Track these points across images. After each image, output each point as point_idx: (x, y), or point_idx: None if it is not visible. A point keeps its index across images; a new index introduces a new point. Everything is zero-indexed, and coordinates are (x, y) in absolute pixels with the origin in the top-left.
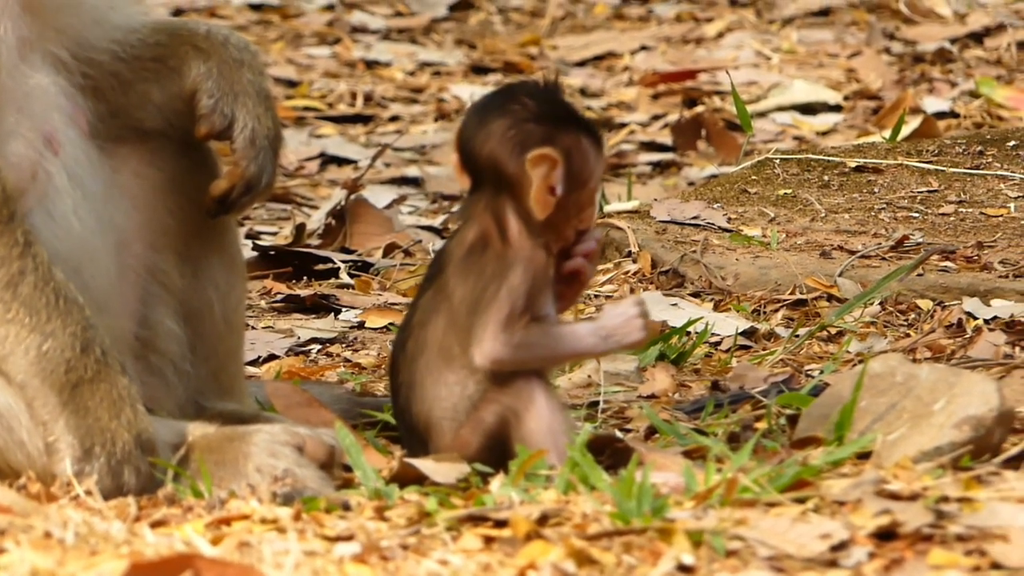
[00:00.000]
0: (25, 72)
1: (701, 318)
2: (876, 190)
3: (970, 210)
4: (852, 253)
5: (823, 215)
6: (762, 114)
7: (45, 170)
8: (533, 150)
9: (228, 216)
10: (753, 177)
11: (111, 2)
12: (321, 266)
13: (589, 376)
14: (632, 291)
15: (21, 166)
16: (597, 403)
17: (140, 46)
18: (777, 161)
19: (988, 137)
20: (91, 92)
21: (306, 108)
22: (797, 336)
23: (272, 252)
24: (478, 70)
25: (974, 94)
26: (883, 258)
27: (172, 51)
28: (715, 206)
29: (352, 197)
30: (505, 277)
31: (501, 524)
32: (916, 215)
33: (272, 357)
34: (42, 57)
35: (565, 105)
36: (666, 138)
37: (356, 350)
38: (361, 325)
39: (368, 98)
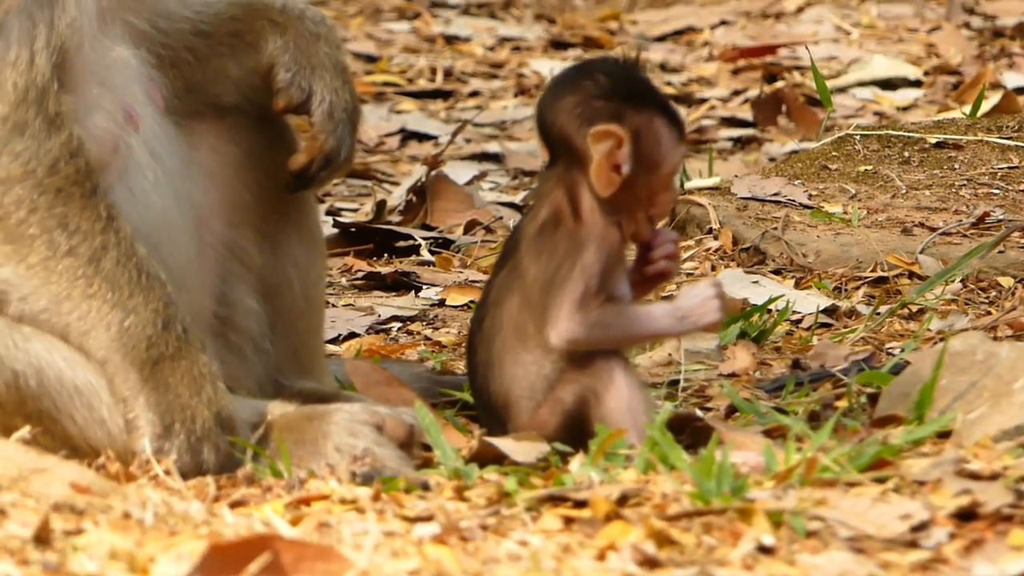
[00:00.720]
0: (106, 44)
1: (782, 296)
2: (957, 166)
3: None
4: (933, 230)
5: (904, 192)
6: (842, 89)
7: (126, 144)
8: (597, 125)
9: (307, 191)
10: (834, 153)
11: None
12: (402, 243)
13: (669, 354)
14: (713, 268)
15: (103, 140)
16: (677, 382)
17: (216, 21)
18: (857, 137)
19: None
20: (168, 66)
21: (386, 83)
22: (878, 314)
23: (353, 229)
24: (557, 45)
25: None
26: (964, 235)
27: (248, 26)
28: (796, 183)
29: (433, 173)
30: (578, 255)
31: (581, 504)
32: (997, 191)
33: (352, 335)
34: (121, 29)
35: (642, 83)
36: (746, 113)
37: (436, 328)
38: (442, 303)
39: (448, 73)
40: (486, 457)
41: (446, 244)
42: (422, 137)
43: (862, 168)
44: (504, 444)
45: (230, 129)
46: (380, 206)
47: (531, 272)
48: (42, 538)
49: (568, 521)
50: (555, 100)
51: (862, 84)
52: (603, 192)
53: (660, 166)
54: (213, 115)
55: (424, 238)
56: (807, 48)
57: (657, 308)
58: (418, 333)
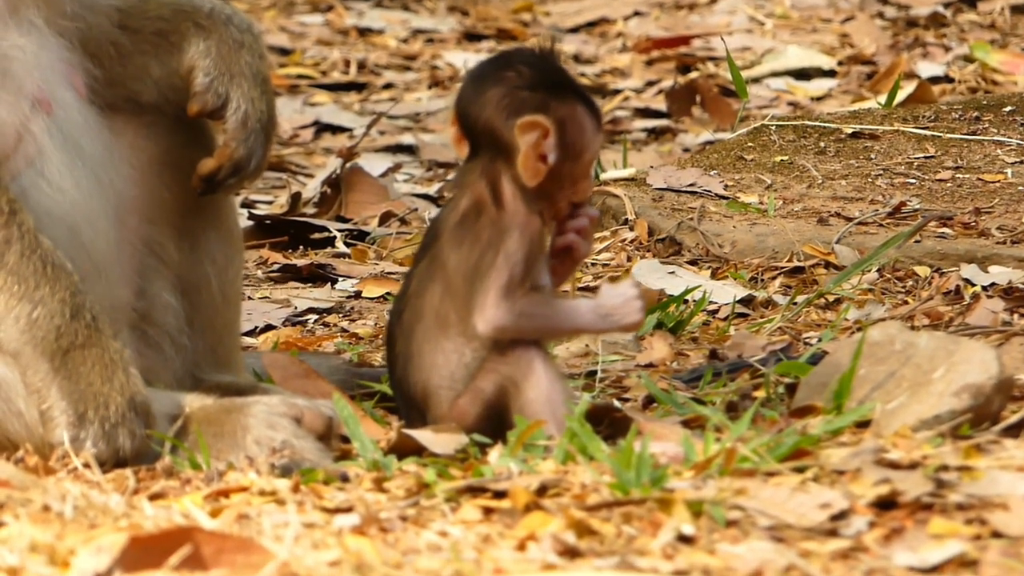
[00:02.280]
0: (10, 34)
1: (699, 286)
2: (873, 156)
3: (967, 176)
4: (849, 220)
5: (820, 181)
6: (756, 80)
7: (32, 132)
8: (524, 116)
9: (214, 195)
10: (749, 144)
11: None
12: (317, 235)
13: (587, 345)
14: (629, 259)
15: (4, 131)
16: (595, 372)
17: (143, 18)
18: (773, 128)
19: (984, 102)
20: (90, 57)
21: (300, 76)
22: (795, 304)
23: (268, 221)
24: (471, 37)
25: (968, 58)
26: (880, 225)
27: (174, 26)
28: (711, 173)
29: (347, 165)
30: (502, 243)
31: (500, 495)
32: (913, 181)
33: (269, 327)
34: (35, 16)
35: (562, 73)
36: (661, 104)
37: (353, 320)
38: (358, 295)
39: (362, 66)
40: (405, 449)
41: (361, 236)
42: (336, 129)
43: (778, 158)
44: (423, 436)
45: (149, 126)
46: (295, 198)
47: (452, 261)
48: None
49: (488, 512)
50: (479, 93)
51: (776, 74)
52: (530, 182)
53: (582, 154)
54: (133, 111)
55: (339, 230)
56: (721, 39)
57: (582, 304)
58: (335, 325)
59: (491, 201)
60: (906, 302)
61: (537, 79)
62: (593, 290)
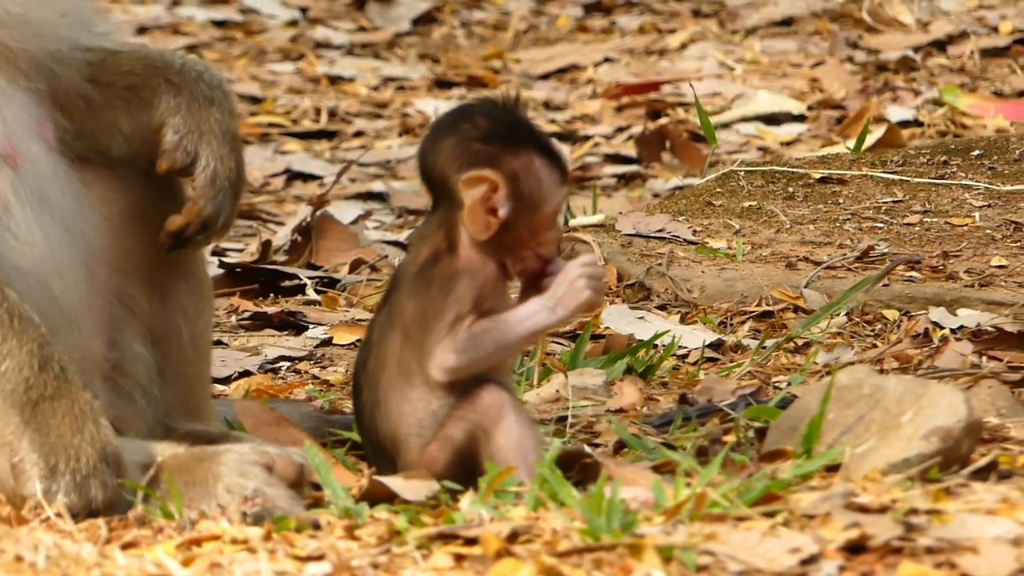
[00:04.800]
0: None
1: (668, 331)
2: (841, 201)
3: (935, 220)
4: (818, 264)
5: (788, 226)
6: (726, 125)
7: (1, 185)
8: (470, 171)
9: (182, 251)
10: (718, 189)
11: (63, 14)
12: (288, 283)
13: (557, 391)
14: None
15: None
16: (565, 418)
17: (114, 72)
18: (742, 173)
19: (952, 146)
20: (59, 109)
21: (270, 124)
22: (764, 348)
23: (238, 269)
24: (442, 84)
25: (938, 102)
26: (849, 269)
27: (145, 81)
28: (680, 219)
29: (318, 213)
30: (451, 289)
31: (471, 542)
32: (881, 225)
33: (245, 374)
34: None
35: (521, 125)
36: (630, 150)
37: (324, 367)
38: (329, 342)
39: (332, 113)
40: (376, 496)
41: (332, 283)
42: (307, 177)
43: (746, 204)
44: (394, 483)
45: (119, 179)
46: (265, 246)
47: (409, 310)
48: None
49: (459, 559)
50: (434, 143)
51: (746, 119)
52: (479, 236)
53: (541, 207)
54: (103, 163)
55: (310, 277)
56: (691, 84)
57: (526, 306)
58: (306, 372)
59: (447, 250)
60: (875, 345)
61: (493, 131)
62: (563, 335)
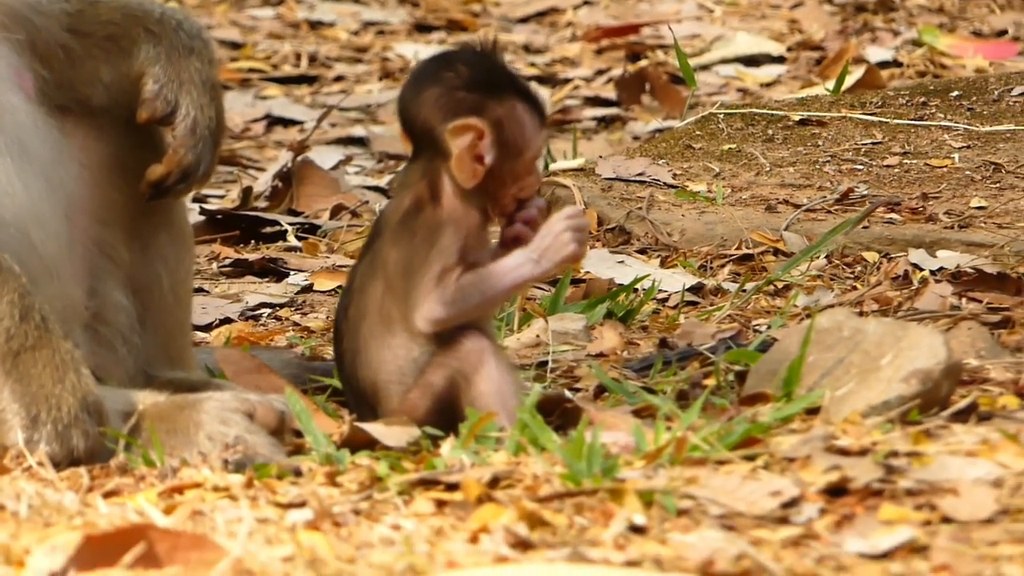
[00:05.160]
0: None
1: (648, 275)
2: (820, 143)
3: (914, 161)
4: (797, 207)
5: (768, 169)
6: (705, 67)
7: None
8: (457, 120)
9: (163, 200)
10: (697, 132)
11: None
12: (269, 229)
13: (538, 336)
14: None
15: None
16: (546, 363)
17: (93, 23)
18: (721, 116)
19: (931, 88)
20: (39, 59)
21: (251, 69)
22: (744, 291)
23: (219, 216)
24: (422, 28)
25: (917, 43)
26: (828, 211)
27: (124, 31)
28: (660, 162)
29: (298, 159)
30: (435, 240)
31: (453, 487)
32: (860, 167)
33: (226, 321)
34: None
35: (501, 72)
36: (610, 93)
37: (305, 313)
38: (309, 288)
39: (312, 58)
40: (357, 442)
41: (312, 229)
42: (287, 123)
43: (726, 147)
44: (375, 429)
45: (100, 128)
46: (246, 192)
47: (391, 258)
48: None
49: (440, 504)
50: (417, 93)
51: (725, 61)
52: (467, 183)
53: (523, 152)
54: (83, 113)
55: (290, 224)
56: (669, 27)
57: (511, 258)
58: (287, 319)
59: (430, 200)
60: (855, 288)
61: (475, 78)
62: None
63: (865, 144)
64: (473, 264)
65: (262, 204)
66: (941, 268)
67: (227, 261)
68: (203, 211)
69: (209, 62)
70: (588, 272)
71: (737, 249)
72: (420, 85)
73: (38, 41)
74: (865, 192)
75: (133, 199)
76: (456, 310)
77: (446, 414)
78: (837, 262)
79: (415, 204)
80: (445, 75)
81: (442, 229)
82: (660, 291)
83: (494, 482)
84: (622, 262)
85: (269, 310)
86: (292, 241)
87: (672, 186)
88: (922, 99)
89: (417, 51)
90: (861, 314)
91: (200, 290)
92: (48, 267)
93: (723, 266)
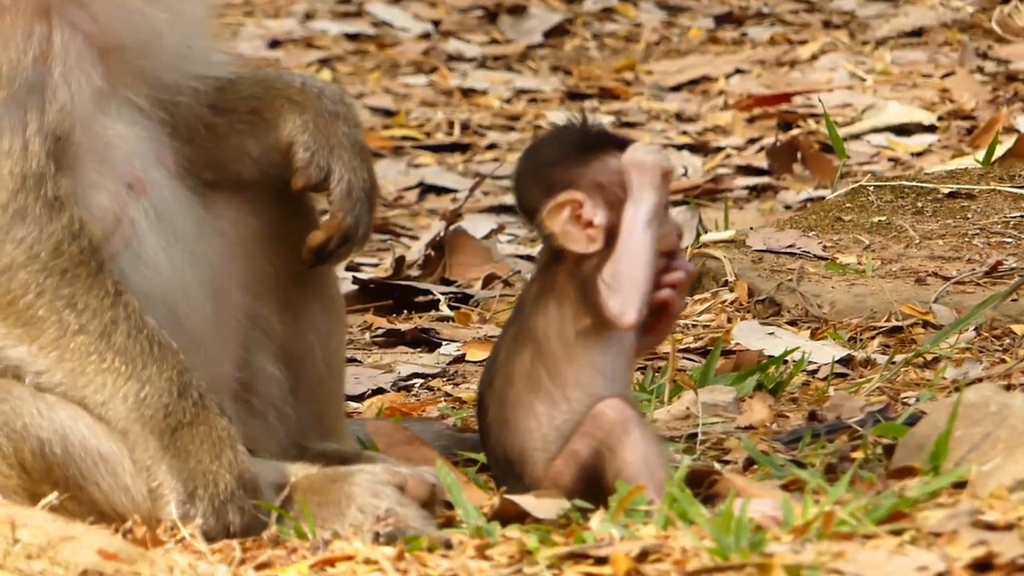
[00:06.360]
0: (104, 123)
1: (798, 347)
2: (970, 215)
3: None
4: (947, 279)
5: (917, 241)
6: (857, 136)
7: (129, 215)
8: (549, 201)
9: (325, 266)
10: (847, 204)
11: (189, 44)
12: (421, 298)
13: (687, 408)
14: (729, 320)
15: (106, 215)
16: (695, 435)
17: (235, 99)
18: (871, 188)
19: None
20: (180, 137)
21: (404, 137)
22: (893, 363)
23: (372, 285)
24: (574, 96)
25: None
26: (978, 284)
27: (267, 104)
28: (810, 234)
29: (451, 228)
30: (596, 270)
31: (601, 561)
32: (1009, 240)
33: (378, 391)
34: (123, 105)
35: (591, 136)
36: (762, 162)
37: (457, 384)
38: (462, 358)
39: (465, 126)
40: (508, 514)
41: (465, 299)
42: (440, 190)
43: (876, 219)
44: (525, 501)
45: (250, 202)
46: (399, 261)
47: (540, 326)
48: None
49: None
50: (518, 186)
51: (877, 130)
52: (589, 249)
53: None
54: (232, 188)
55: (443, 293)
56: (819, 99)
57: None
58: (439, 389)
59: (563, 268)
60: (1004, 360)
61: (561, 153)
62: (694, 351)
63: (1014, 217)
64: None
65: (415, 273)
66: None
67: (379, 331)
68: (356, 280)
69: (355, 125)
70: (738, 344)
71: (886, 321)
72: (519, 177)
73: (178, 118)
74: (1014, 265)
75: (285, 270)
76: (630, 295)
77: (591, 484)
78: (986, 335)
79: (550, 278)
80: (534, 160)
81: (591, 262)
82: (810, 363)
83: (643, 556)
84: (772, 334)
85: (421, 380)
86: (444, 311)
87: (822, 258)
88: None
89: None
90: (1009, 387)
91: (352, 360)
92: (194, 340)
93: (872, 338)
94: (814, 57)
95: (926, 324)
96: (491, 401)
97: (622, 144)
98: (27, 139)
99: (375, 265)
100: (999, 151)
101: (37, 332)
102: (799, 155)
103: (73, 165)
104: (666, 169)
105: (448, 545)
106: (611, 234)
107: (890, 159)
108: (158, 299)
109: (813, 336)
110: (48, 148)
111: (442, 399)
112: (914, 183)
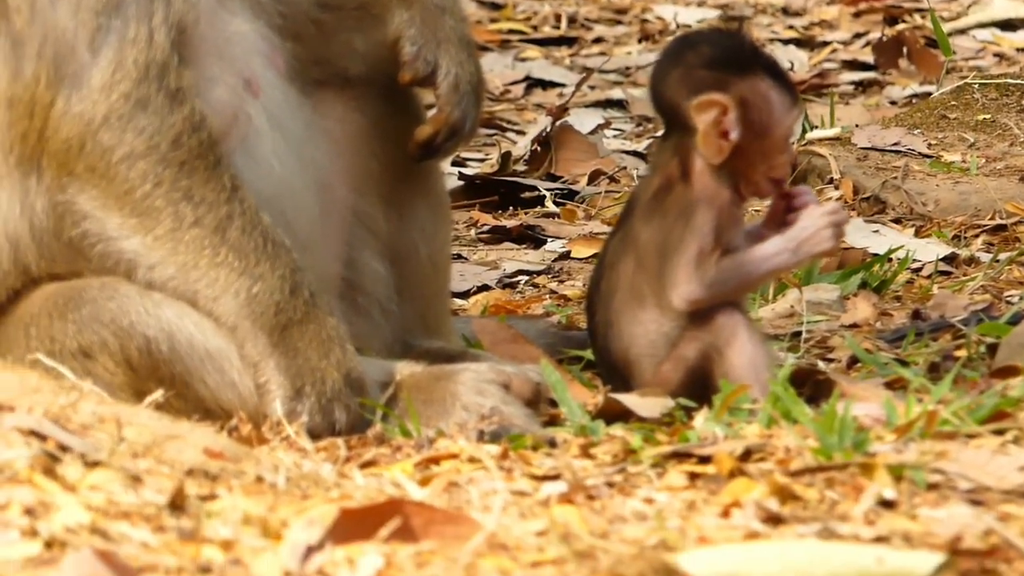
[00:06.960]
0: (224, 18)
1: (902, 245)
2: None
3: None
4: None
5: (1022, 139)
6: (962, 31)
7: (246, 113)
8: (700, 96)
9: (432, 161)
10: (952, 102)
11: None
12: (527, 194)
13: (792, 306)
14: None
15: (224, 111)
16: (799, 333)
17: None
18: (976, 86)
19: None
20: (290, 36)
21: (510, 31)
22: (997, 262)
23: (477, 181)
24: None
25: None
26: None
27: (374, 0)
28: (915, 132)
29: (557, 123)
30: (689, 218)
31: (705, 460)
32: None
33: (483, 288)
34: (240, 2)
35: (746, 52)
36: (868, 57)
37: (562, 281)
38: (567, 255)
39: (572, 20)
40: (612, 413)
41: (570, 195)
42: (547, 85)
43: (980, 117)
44: (629, 400)
45: (356, 99)
46: (505, 157)
47: (643, 236)
48: (177, 504)
49: (693, 477)
50: (664, 72)
51: (982, 25)
52: (713, 159)
53: (771, 130)
54: (339, 85)
55: (548, 189)
56: None
57: (769, 245)
58: (544, 286)
59: (681, 178)
60: None
61: (717, 57)
62: None
63: None
64: (727, 244)
65: (521, 168)
66: None
67: (485, 228)
68: (461, 176)
69: (461, 19)
70: (843, 241)
71: (991, 219)
72: (666, 65)
73: (289, 18)
74: None
75: (390, 167)
76: (714, 292)
77: (698, 386)
78: None
79: (666, 182)
80: (690, 54)
81: (695, 208)
82: (914, 261)
83: (746, 455)
84: (877, 231)
85: (526, 277)
86: (550, 207)
87: (927, 156)
88: None
89: (676, 13)
90: None
91: (458, 257)
92: (301, 240)
93: (976, 236)
94: None
95: None
96: (598, 302)
97: (775, 70)
98: (152, 28)
99: (481, 160)
100: None
101: (152, 223)
102: (905, 50)
103: (194, 58)
104: (833, 252)
105: (552, 443)
106: (737, 159)
107: (995, 55)
108: (268, 198)
109: (917, 234)
110: (172, 39)
111: (547, 296)
112: (1019, 81)
